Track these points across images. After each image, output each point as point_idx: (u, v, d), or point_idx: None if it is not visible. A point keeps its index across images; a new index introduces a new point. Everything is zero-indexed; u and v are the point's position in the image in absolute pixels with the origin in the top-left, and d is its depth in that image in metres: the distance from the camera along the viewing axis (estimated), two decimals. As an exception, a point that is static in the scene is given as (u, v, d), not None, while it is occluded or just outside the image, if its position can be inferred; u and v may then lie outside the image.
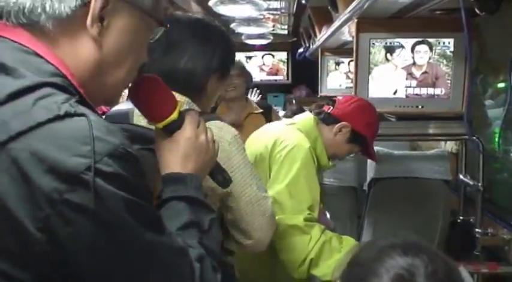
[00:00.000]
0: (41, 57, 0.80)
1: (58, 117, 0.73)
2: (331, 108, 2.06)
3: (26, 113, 0.73)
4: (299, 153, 1.88)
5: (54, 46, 0.83)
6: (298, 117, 2.12)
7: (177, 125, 1.03)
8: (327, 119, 2.05)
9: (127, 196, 0.75)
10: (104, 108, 3.83)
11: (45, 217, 0.70)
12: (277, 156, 1.89)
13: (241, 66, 3.34)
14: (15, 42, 0.81)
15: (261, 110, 3.33)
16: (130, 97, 1.02)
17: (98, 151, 0.72)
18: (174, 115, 1.02)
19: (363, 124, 2.04)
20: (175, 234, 0.89)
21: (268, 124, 2.31)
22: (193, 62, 1.39)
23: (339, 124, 2.02)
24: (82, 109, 0.76)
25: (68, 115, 0.74)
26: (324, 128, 2.04)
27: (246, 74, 3.32)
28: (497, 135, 2.58)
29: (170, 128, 1.03)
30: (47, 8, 0.80)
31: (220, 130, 1.37)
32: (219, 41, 1.45)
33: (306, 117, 2.08)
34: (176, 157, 1.01)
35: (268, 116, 3.34)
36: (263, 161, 1.92)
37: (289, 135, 1.96)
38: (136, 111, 1.22)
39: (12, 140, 0.71)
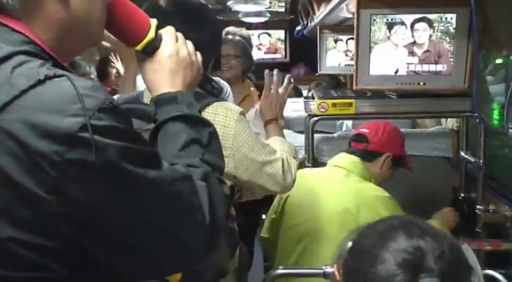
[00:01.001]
0: (8, 26, 0.81)
1: (39, 82, 0.75)
2: (364, 144, 2.14)
3: (5, 83, 0.74)
4: (390, 206, 2.00)
5: (22, 16, 0.83)
6: (341, 160, 2.15)
7: (156, 44, 1.02)
8: (368, 157, 2.15)
9: (122, 144, 0.77)
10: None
11: (52, 180, 0.72)
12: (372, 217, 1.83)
13: (240, 47, 3.27)
14: None
15: (258, 92, 3.28)
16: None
17: (88, 107, 0.74)
18: (151, 34, 1.01)
19: (399, 147, 2.18)
20: (178, 155, 0.92)
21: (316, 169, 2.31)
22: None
23: (383, 157, 2.14)
24: (60, 71, 0.78)
25: (48, 78, 0.75)
26: (368, 165, 2.12)
27: (244, 55, 3.26)
28: (497, 112, 2.57)
29: (150, 49, 1.02)
30: None
31: (227, 109, 1.50)
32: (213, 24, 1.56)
33: (351, 160, 2.13)
34: (162, 77, 1.02)
35: None
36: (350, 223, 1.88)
37: (368, 191, 2.01)
38: (147, 93, 1.35)
39: (0, 113, 0.73)
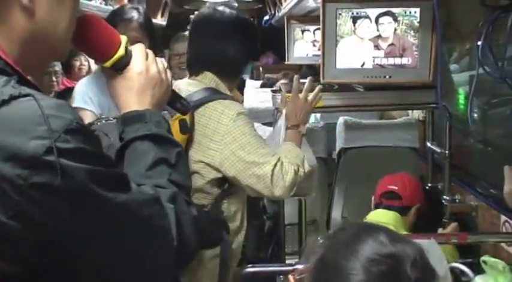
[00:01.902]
0: None
1: (4, 102, 0.72)
2: (398, 201, 2.26)
3: None
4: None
5: None
6: (385, 218, 2.20)
7: (126, 61, 1.00)
8: (405, 212, 2.26)
9: (89, 167, 0.74)
10: (66, 83, 3.71)
11: (15, 204, 0.70)
12: None
13: None
14: None
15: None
16: (73, 40, 0.95)
17: (54, 129, 0.72)
18: (121, 51, 0.99)
19: (422, 194, 2.35)
20: (145, 175, 0.90)
21: None
22: (237, 50, 1.73)
23: (413, 209, 2.27)
24: (26, 89, 0.75)
25: (13, 98, 0.73)
26: (405, 218, 2.25)
27: None
28: (462, 101, 2.60)
29: (119, 65, 0.99)
30: None
31: (226, 107, 1.64)
32: (254, 34, 1.82)
33: (394, 217, 2.21)
34: (131, 94, 0.99)
35: (242, 90, 3.28)
36: None
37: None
38: (177, 85, 1.48)
39: None
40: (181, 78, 3.00)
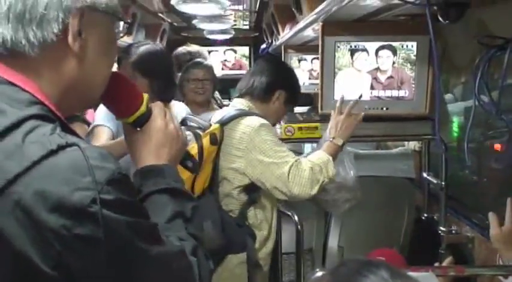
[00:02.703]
0: (15, 85, 0.81)
1: (52, 152, 0.73)
2: None
3: (17, 152, 0.73)
4: None
5: (33, 71, 0.84)
6: None
7: (146, 117, 1.04)
8: None
9: (130, 219, 0.77)
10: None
11: (57, 254, 0.71)
12: None
13: (212, 70, 3.29)
14: None
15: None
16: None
17: (98, 180, 0.73)
18: (143, 108, 1.03)
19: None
20: (166, 227, 0.91)
21: None
22: (267, 80, 2.02)
23: None
24: (71, 138, 0.77)
25: (60, 148, 0.74)
26: None
27: (215, 79, 3.29)
28: (456, 130, 2.64)
29: (140, 122, 1.04)
30: (31, 38, 0.81)
31: (250, 120, 1.89)
32: (287, 71, 2.16)
33: None
34: (150, 149, 1.03)
35: None
36: None
37: None
38: (218, 111, 1.82)
39: (12, 184, 0.71)
40: (196, 102, 3.06)
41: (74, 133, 0.82)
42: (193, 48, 3.83)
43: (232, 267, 1.87)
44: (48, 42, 0.82)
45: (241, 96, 2.08)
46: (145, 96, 1.05)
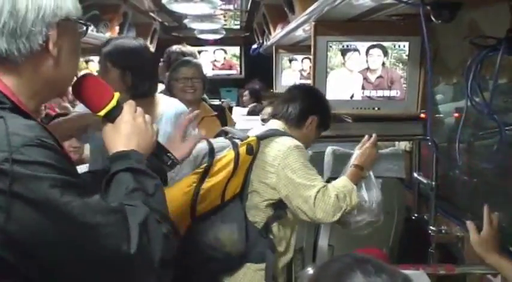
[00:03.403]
0: None
1: None
2: None
3: None
4: None
5: (16, 73, 1.03)
6: None
7: (117, 112, 1.21)
8: None
9: (42, 174, 0.90)
10: (55, 110, 3.70)
11: None
12: None
13: (200, 69, 3.25)
14: None
15: (215, 113, 3.25)
16: (74, 93, 1.22)
17: (13, 145, 0.90)
18: (113, 103, 1.21)
19: None
20: (123, 199, 1.05)
21: None
22: (301, 106, 2.08)
23: None
24: (1, 113, 0.95)
25: None
26: None
27: (205, 78, 3.25)
28: (448, 130, 2.66)
29: (111, 115, 1.21)
30: (21, 49, 1.00)
31: (285, 140, 1.98)
32: (319, 98, 2.15)
33: None
34: (119, 138, 1.19)
35: (223, 118, 3.29)
36: None
37: None
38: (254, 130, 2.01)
39: None
40: (186, 101, 3.04)
41: (28, 116, 0.99)
42: (188, 48, 3.79)
43: (251, 276, 1.95)
44: (33, 52, 1.01)
45: (276, 119, 2.16)
46: (116, 94, 1.22)
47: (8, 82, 1.03)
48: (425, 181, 2.50)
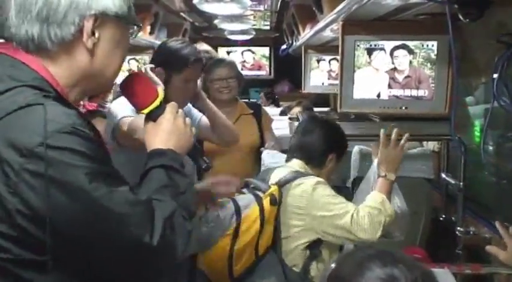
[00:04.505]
0: (27, 66, 1.05)
1: (20, 108, 0.97)
2: None
3: (0, 107, 0.98)
4: None
5: (51, 60, 1.07)
6: None
7: (160, 111, 1.27)
8: None
9: (75, 162, 0.95)
10: (88, 106, 3.79)
11: (13, 184, 0.93)
12: None
13: (235, 67, 3.27)
14: (11, 56, 1.06)
15: (251, 111, 3.27)
16: (122, 90, 1.29)
17: (49, 130, 0.94)
18: (156, 103, 1.27)
19: None
20: (152, 193, 1.10)
21: None
22: (321, 148, 2.13)
23: None
24: (43, 100, 0.99)
25: (29, 105, 0.97)
26: None
27: (240, 76, 3.27)
28: (477, 133, 2.63)
29: (154, 114, 1.27)
30: (52, 37, 1.05)
31: (306, 180, 2.02)
32: (338, 134, 2.20)
33: None
34: (158, 137, 1.25)
35: (259, 116, 3.30)
36: None
37: None
38: (275, 171, 2.12)
39: None
40: (222, 100, 3.06)
41: (70, 105, 1.04)
42: (204, 47, 3.81)
43: None
44: (66, 40, 1.06)
45: (296, 158, 2.18)
46: (161, 94, 1.29)
47: (55, 73, 1.07)
48: (453, 182, 2.48)
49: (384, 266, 0.96)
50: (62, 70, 1.08)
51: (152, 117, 1.27)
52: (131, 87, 1.28)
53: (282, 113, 4.99)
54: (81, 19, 1.06)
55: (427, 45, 2.14)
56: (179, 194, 1.14)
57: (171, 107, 1.29)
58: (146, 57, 4.03)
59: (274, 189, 2.01)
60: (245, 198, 2.00)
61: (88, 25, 1.06)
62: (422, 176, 2.81)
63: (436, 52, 2.14)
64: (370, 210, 1.94)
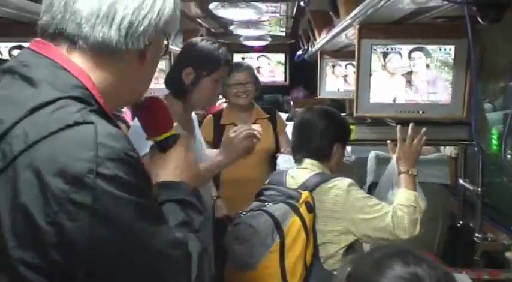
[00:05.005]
0: (68, 71, 0.95)
1: (68, 126, 0.86)
2: None
3: (42, 124, 0.86)
4: None
5: (97, 67, 0.99)
6: None
7: (171, 142, 1.21)
8: None
9: (124, 195, 0.86)
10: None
11: (53, 213, 0.83)
12: None
13: (253, 72, 3.28)
14: (48, 58, 0.96)
15: (267, 115, 3.28)
16: (135, 113, 1.24)
17: (100, 156, 0.84)
18: (172, 131, 1.21)
19: None
20: (175, 229, 1.02)
21: None
22: (321, 136, 2.08)
23: None
24: (92, 118, 0.89)
25: (76, 123, 0.87)
26: None
27: (257, 80, 3.27)
28: (495, 140, 2.59)
29: (165, 144, 1.21)
30: (129, 47, 0.99)
31: (337, 183, 1.97)
32: (338, 122, 2.16)
33: None
34: (170, 168, 1.19)
35: (274, 120, 3.31)
36: None
37: None
38: (290, 173, 2.09)
39: (29, 148, 0.85)
40: (238, 105, 3.05)
41: (111, 120, 0.95)
42: None
43: None
44: (135, 52, 1.01)
45: (306, 158, 2.14)
46: (176, 128, 1.23)
47: (96, 79, 1.00)
48: (471, 187, 2.45)
49: (406, 264, 0.94)
50: (111, 80, 1.02)
51: (163, 146, 1.22)
52: (147, 111, 1.21)
53: (290, 119, 5.00)
54: (153, 34, 1.02)
55: (445, 49, 2.12)
56: (195, 232, 1.08)
57: (183, 139, 1.24)
58: (162, 62, 4.05)
59: (306, 195, 1.95)
60: (279, 209, 1.95)
61: (156, 41, 1.04)
62: (439, 181, 2.78)
63: (453, 56, 2.12)
64: (407, 210, 1.92)
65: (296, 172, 2.12)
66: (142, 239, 0.90)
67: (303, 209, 1.92)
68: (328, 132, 2.10)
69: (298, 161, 2.17)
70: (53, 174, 0.83)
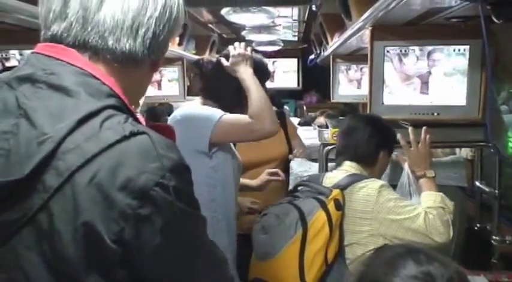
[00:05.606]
0: (97, 79, 0.91)
1: (125, 138, 0.83)
2: None
3: (95, 136, 0.83)
4: None
5: (128, 77, 0.98)
6: None
7: None
8: None
9: (183, 206, 0.85)
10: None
11: (120, 230, 0.80)
12: None
13: None
14: (73, 65, 0.91)
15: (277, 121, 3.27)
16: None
17: (165, 166, 0.83)
18: None
19: None
20: None
21: None
22: (370, 145, 2.08)
23: None
24: (141, 127, 0.87)
25: (133, 134, 0.84)
26: None
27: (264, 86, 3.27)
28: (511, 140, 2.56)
29: None
30: (152, 56, 0.98)
31: (369, 183, 1.95)
32: (385, 129, 2.13)
33: None
34: None
35: (284, 125, 3.30)
36: None
37: None
38: (328, 175, 2.10)
39: (88, 162, 0.81)
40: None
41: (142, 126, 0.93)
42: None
43: None
44: (155, 60, 1.01)
45: (347, 160, 2.14)
46: None
47: (122, 86, 0.97)
48: (487, 189, 2.42)
49: (419, 264, 0.94)
50: (130, 87, 1.00)
51: None
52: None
53: (304, 124, 4.99)
54: (168, 43, 1.03)
55: (459, 50, 2.11)
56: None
57: None
58: (175, 69, 4.07)
59: (337, 193, 1.94)
60: (308, 203, 1.94)
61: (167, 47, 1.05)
62: (455, 184, 2.75)
63: (468, 56, 2.10)
64: (435, 211, 1.88)
65: (333, 173, 2.12)
66: (202, 249, 0.92)
67: (330, 206, 1.91)
68: (374, 139, 2.11)
69: (339, 163, 2.17)
70: (117, 189, 0.80)
